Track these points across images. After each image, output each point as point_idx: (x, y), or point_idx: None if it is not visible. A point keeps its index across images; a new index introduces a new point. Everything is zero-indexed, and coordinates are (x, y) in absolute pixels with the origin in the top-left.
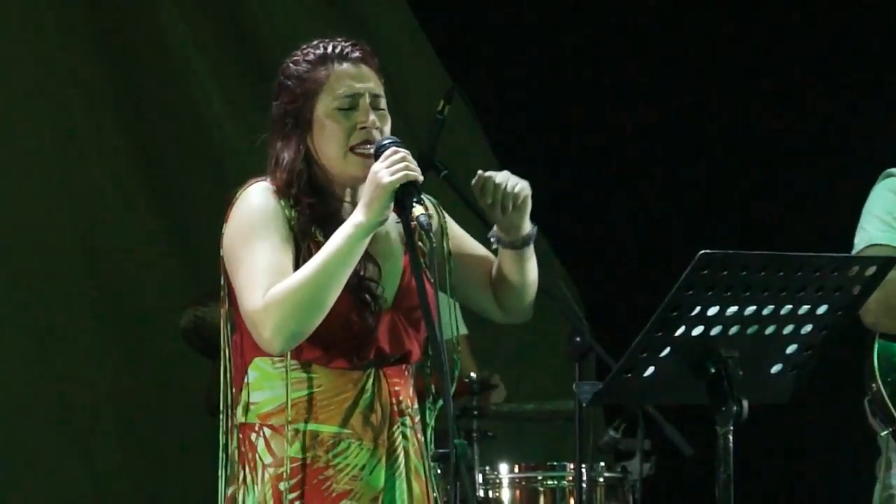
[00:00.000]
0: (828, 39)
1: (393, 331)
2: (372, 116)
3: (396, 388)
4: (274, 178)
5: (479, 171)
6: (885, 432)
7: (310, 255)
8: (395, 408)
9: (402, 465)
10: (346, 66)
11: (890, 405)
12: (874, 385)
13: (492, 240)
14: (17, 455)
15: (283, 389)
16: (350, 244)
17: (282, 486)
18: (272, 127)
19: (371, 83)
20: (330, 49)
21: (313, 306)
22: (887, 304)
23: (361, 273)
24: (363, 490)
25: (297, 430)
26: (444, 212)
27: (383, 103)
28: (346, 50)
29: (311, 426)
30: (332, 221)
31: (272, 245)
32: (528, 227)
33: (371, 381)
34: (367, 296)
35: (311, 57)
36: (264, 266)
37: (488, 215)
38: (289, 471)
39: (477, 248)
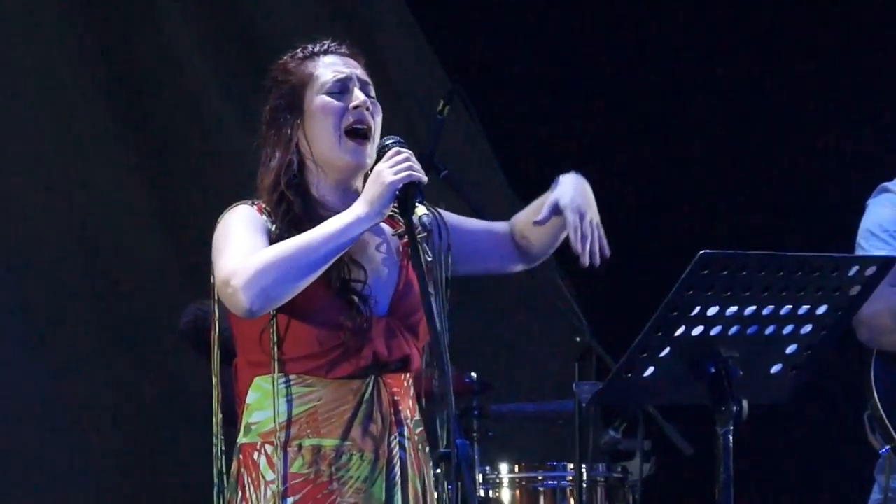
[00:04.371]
0: (829, 42)
1: (390, 335)
2: (363, 97)
3: (396, 398)
4: (262, 176)
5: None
6: (885, 450)
7: None
8: (393, 417)
9: (398, 478)
10: (332, 57)
11: (889, 425)
12: (872, 402)
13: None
14: (17, 454)
15: (284, 406)
16: (343, 231)
17: (288, 502)
18: (265, 125)
19: (359, 70)
20: (317, 47)
21: (290, 273)
22: (881, 323)
23: (346, 276)
24: (367, 503)
25: (299, 446)
26: (441, 217)
27: (373, 91)
28: (332, 47)
29: (313, 441)
30: (312, 226)
31: (254, 238)
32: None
33: (370, 389)
34: (354, 297)
35: (298, 55)
36: (246, 248)
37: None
38: (286, 488)
39: (478, 224)
